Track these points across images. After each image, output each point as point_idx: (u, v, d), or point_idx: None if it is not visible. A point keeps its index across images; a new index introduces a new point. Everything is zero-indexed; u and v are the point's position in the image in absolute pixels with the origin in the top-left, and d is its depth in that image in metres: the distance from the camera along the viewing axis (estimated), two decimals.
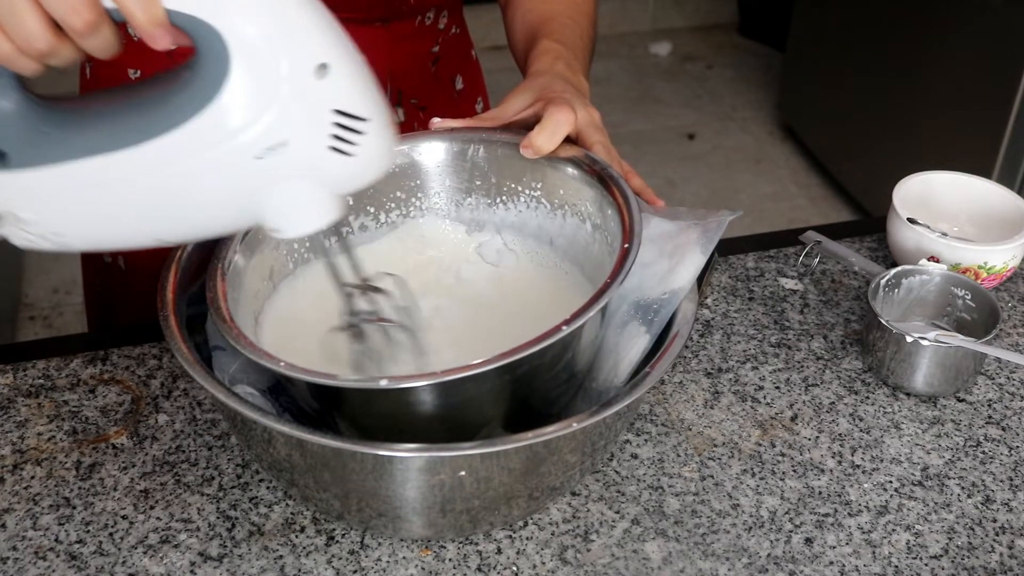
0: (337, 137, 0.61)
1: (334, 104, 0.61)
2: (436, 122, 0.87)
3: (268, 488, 0.84)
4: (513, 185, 0.87)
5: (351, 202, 0.87)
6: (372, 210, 0.88)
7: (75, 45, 0.58)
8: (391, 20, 1.03)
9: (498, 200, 0.88)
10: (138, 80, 0.62)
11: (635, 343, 0.78)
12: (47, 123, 0.61)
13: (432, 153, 0.87)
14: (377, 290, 0.74)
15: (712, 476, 0.86)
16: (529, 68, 0.92)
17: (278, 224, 0.65)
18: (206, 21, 0.57)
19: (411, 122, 1.09)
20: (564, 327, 0.68)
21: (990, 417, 0.93)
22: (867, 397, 0.94)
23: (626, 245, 0.75)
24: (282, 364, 0.68)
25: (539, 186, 0.86)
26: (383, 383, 0.67)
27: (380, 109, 0.63)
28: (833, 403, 0.94)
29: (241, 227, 0.73)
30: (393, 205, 0.88)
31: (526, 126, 0.84)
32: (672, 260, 0.79)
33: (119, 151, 0.60)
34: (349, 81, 0.61)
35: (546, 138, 0.81)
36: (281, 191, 0.63)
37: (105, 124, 0.61)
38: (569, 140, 0.84)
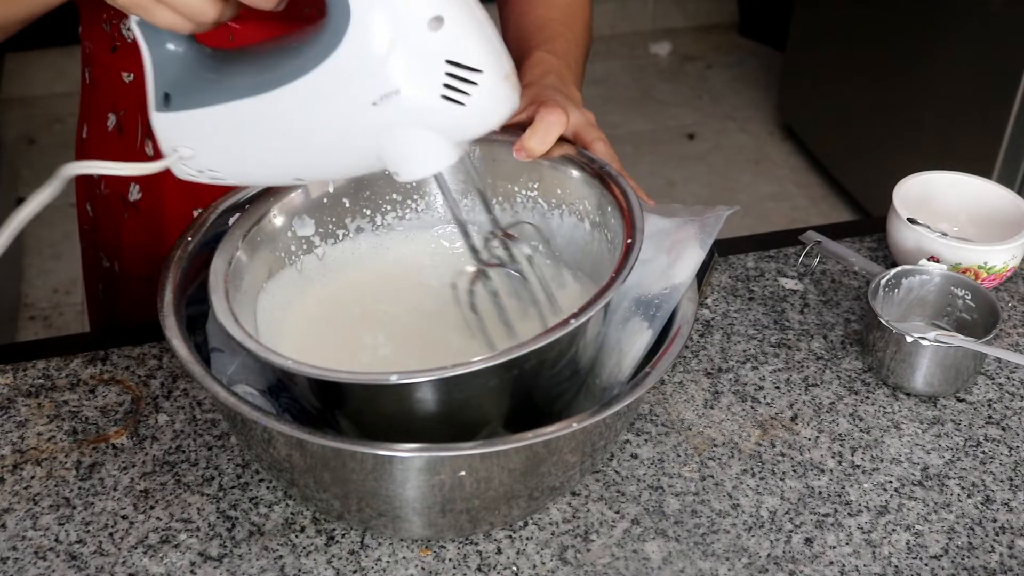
0: (449, 87, 0.65)
1: (447, 55, 0.64)
2: None
3: (268, 488, 0.84)
4: (510, 186, 0.87)
5: (348, 203, 0.87)
6: (368, 212, 0.88)
7: (227, 5, 0.67)
8: None
9: (495, 201, 0.88)
10: (283, 36, 0.70)
11: (638, 339, 0.78)
12: (206, 68, 0.70)
13: None
14: (510, 237, 0.79)
15: (712, 476, 0.86)
16: (521, 80, 0.92)
17: (395, 167, 0.70)
18: None
19: None
20: (572, 320, 0.69)
21: (990, 417, 0.93)
22: (867, 397, 0.94)
23: (629, 240, 0.75)
24: (289, 361, 0.69)
25: (536, 186, 0.86)
26: (393, 378, 0.67)
27: (496, 61, 0.67)
28: (833, 403, 0.94)
29: (369, 170, 0.77)
30: (389, 207, 0.88)
31: (521, 127, 0.84)
32: (671, 256, 0.79)
33: (258, 95, 0.67)
34: (463, 33, 0.65)
35: (538, 140, 0.81)
36: (399, 136, 0.67)
37: (250, 72, 0.69)
38: (563, 140, 0.84)
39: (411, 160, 0.69)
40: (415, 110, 0.66)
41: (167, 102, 0.71)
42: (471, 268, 0.78)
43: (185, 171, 0.73)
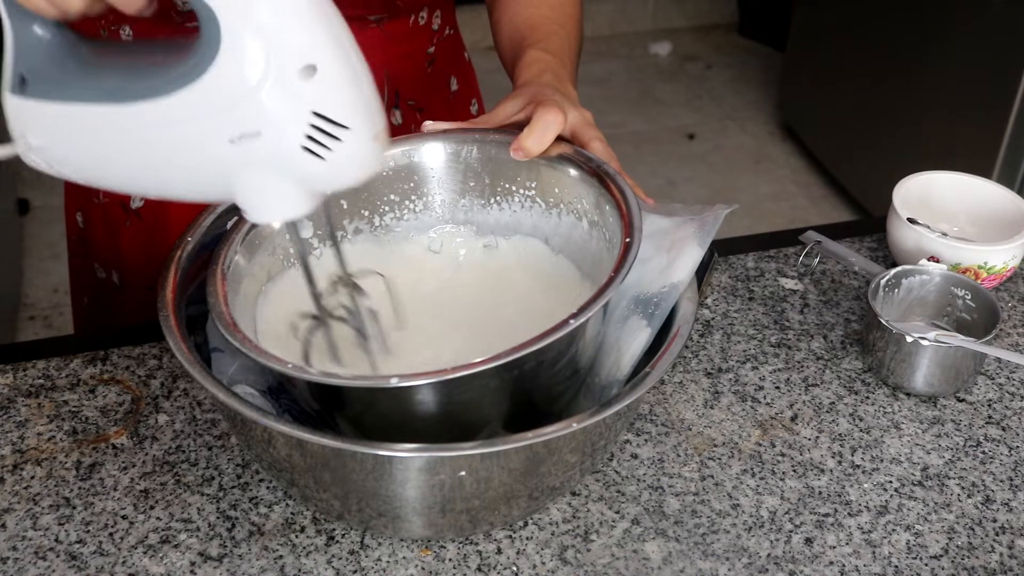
0: (312, 139, 0.63)
1: (314, 106, 0.62)
2: (428, 125, 0.87)
3: (268, 488, 0.84)
4: (507, 185, 0.87)
5: (345, 205, 0.87)
6: (366, 213, 0.88)
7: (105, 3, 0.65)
8: (386, 20, 1.03)
9: (492, 200, 0.88)
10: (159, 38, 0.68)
11: (637, 337, 0.78)
12: (72, 59, 0.67)
13: (425, 155, 0.87)
14: (355, 287, 0.76)
15: (712, 476, 0.86)
16: (517, 79, 0.92)
17: (245, 207, 0.67)
18: (204, 1, 0.59)
19: (408, 123, 1.09)
20: (571, 320, 0.69)
21: (990, 417, 0.93)
22: (867, 397, 0.94)
23: (627, 239, 0.75)
24: (289, 365, 0.68)
25: (534, 185, 0.86)
26: (394, 381, 0.67)
27: (367, 119, 0.64)
28: (833, 403, 0.94)
29: (215, 200, 0.76)
30: (387, 208, 0.88)
31: (519, 127, 0.84)
32: (670, 255, 0.79)
33: (113, 104, 0.65)
34: (336, 86, 0.62)
35: (535, 140, 0.81)
36: (252, 177, 0.65)
37: (116, 76, 0.66)
38: (561, 139, 0.84)
39: (262, 203, 0.67)
40: (273, 155, 0.63)
41: (23, 86, 0.67)
42: (311, 314, 0.76)
43: (33, 160, 0.70)
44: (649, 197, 0.84)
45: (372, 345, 0.77)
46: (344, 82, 0.63)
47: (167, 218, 1.03)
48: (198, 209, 1.02)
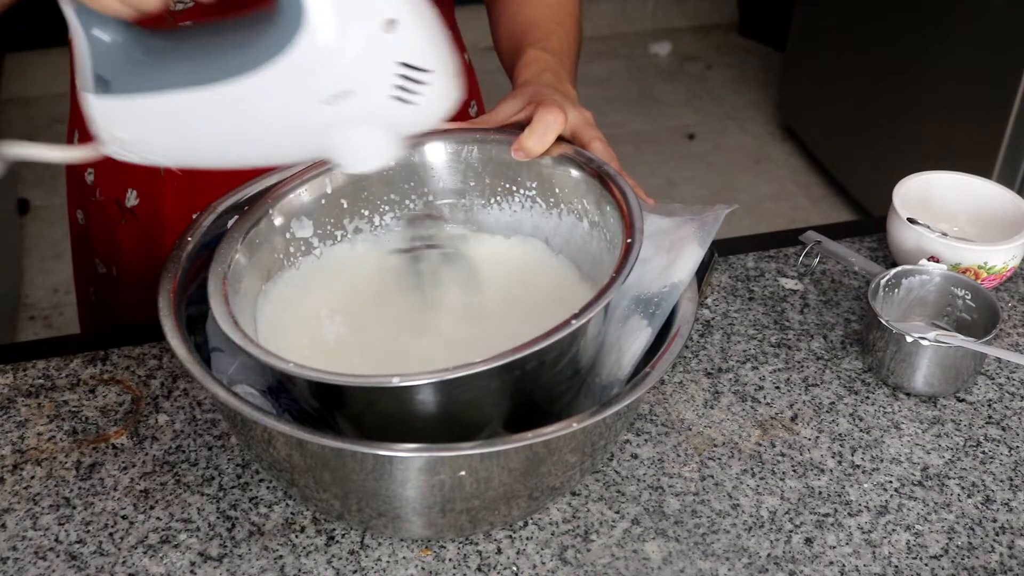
0: (401, 88, 0.66)
1: (400, 57, 0.65)
2: None
3: (268, 488, 0.84)
4: (508, 185, 0.87)
5: (345, 205, 0.87)
6: (366, 213, 0.88)
7: None
8: None
9: (493, 200, 0.88)
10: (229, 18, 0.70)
11: (637, 336, 0.78)
12: (145, 52, 0.68)
13: (426, 155, 0.87)
14: (437, 217, 0.81)
15: (712, 476, 0.86)
16: (517, 79, 0.93)
17: (342, 160, 0.71)
18: None
19: None
20: (573, 320, 0.69)
21: (990, 417, 0.93)
22: (867, 397, 0.94)
23: (628, 240, 0.75)
24: (291, 364, 0.68)
25: (534, 185, 0.86)
26: (394, 381, 0.67)
27: (445, 60, 0.68)
28: (833, 403, 0.94)
29: (309, 158, 0.78)
30: (387, 208, 0.88)
31: (519, 127, 0.84)
32: (671, 255, 0.79)
33: (204, 87, 0.67)
34: (416, 35, 0.65)
35: (536, 140, 0.82)
36: (347, 132, 0.68)
37: (194, 60, 0.68)
38: (561, 139, 0.84)
39: (356, 154, 0.70)
40: (367, 109, 0.67)
41: (104, 86, 0.69)
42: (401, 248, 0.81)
43: (122, 154, 0.72)
44: (649, 197, 0.84)
45: (464, 266, 0.82)
46: (422, 29, 0.66)
47: (162, 216, 1.04)
48: (192, 208, 1.02)
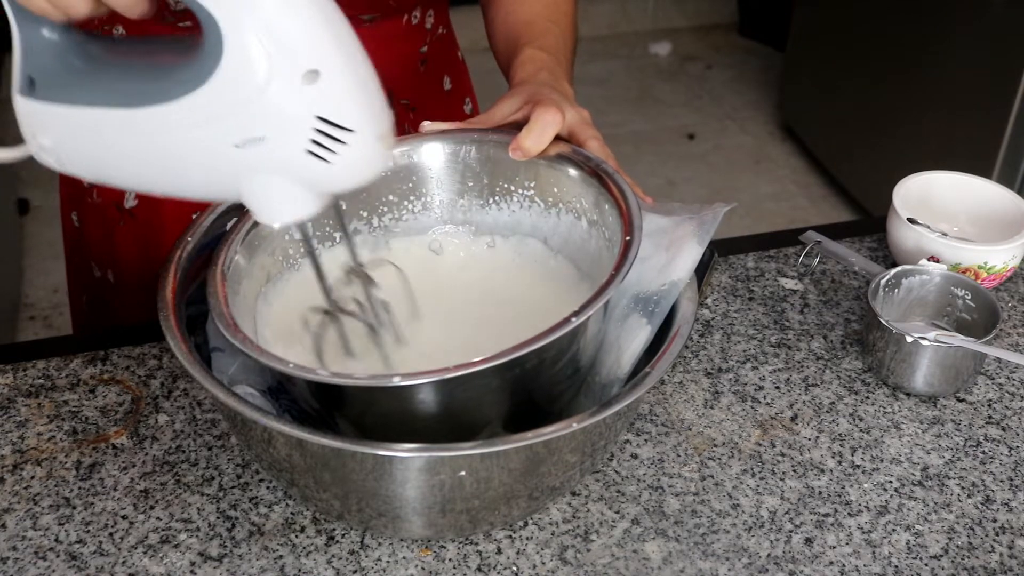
0: (316, 143, 0.63)
1: (318, 111, 0.62)
2: (426, 125, 0.87)
3: (268, 488, 0.84)
4: (506, 185, 0.87)
5: (345, 206, 0.87)
6: (365, 214, 0.88)
7: (101, 2, 0.64)
8: (378, 19, 1.03)
9: (491, 200, 0.88)
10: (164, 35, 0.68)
11: (637, 335, 0.78)
12: (79, 59, 0.67)
13: (423, 156, 0.87)
14: (367, 279, 0.77)
15: (712, 476, 0.86)
16: (513, 78, 0.93)
17: (254, 208, 0.68)
18: (205, 7, 0.59)
19: (401, 123, 1.09)
20: (573, 319, 0.69)
21: (990, 417, 0.93)
22: (867, 397, 0.94)
23: (628, 238, 0.75)
24: (291, 365, 0.68)
25: (532, 185, 0.86)
26: (395, 380, 0.67)
27: (371, 121, 0.64)
28: (833, 403, 0.94)
29: (224, 200, 0.76)
30: (385, 209, 0.88)
31: (517, 127, 0.84)
32: (670, 253, 0.80)
33: (122, 108, 0.65)
34: (339, 90, 0.62)
35: (534, 139, 0.81)
36: (259, 180, 0.65)
37: (120, 78, 0.66)
38: (559, 139, 0.84)
39: (269, 205, 0.67)
40: (278, 159, 0.64)
41: (32, 87, 0.68)
42: (322, 308, 0.76)
43: (45, 160, 0.71)
44: (648, 196, 0.84)
45: (385, 337, 0.77)
46: (348, 85, 0.63)
47: (161, 218, 1.03)
48: (192, 209, 1.02)
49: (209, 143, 0.64)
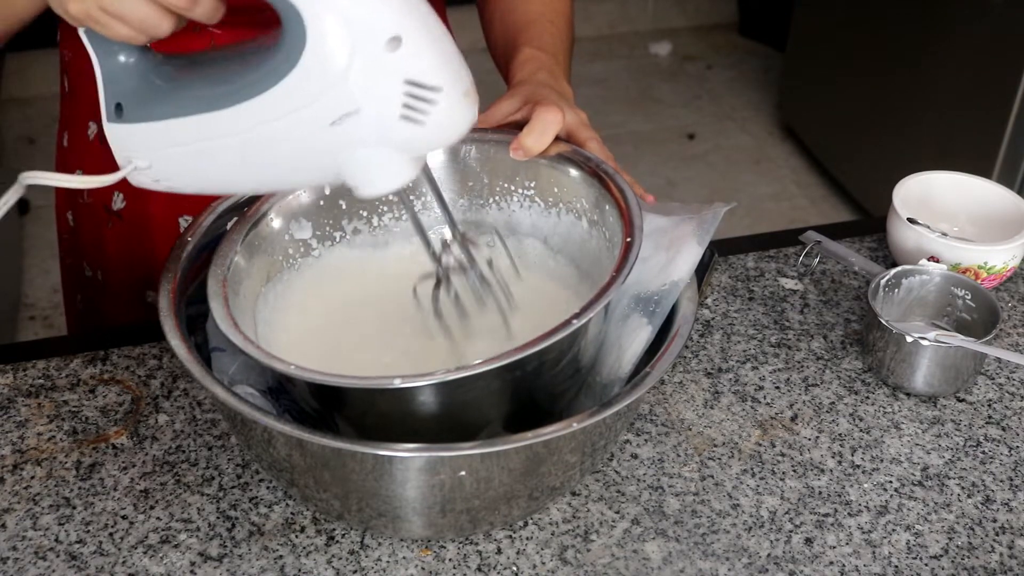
0: (408, 107, 0.64)
1: (405, 75, 0.63)
2: None
3: (268, 488, 0.84)
4: (506, 185, 0.87)
5: (344, 206, 0.87)
6: (365, 214, 0.88)
7: (181, 17, 0.67)
8: None
9: (491, 200, 0.88)
10: (236, 43, 0.69)
11: (638, 335, 0.78)
12: (159, 77, 0.69)
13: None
14: (469, 241, 0.79)
15: (712, 476, 0.86)
16: (512, 78, 0.93)
17: (356, 183, 0.69)
18: None
19: None
20: (574, 320, 0.69)
21: (990, 417, 0.93)
22: (867, 397, 0.94)
23: (628, 239, 0.75)
24: (292, 366, 0.68)
25: (532, 185, 0.86)
26: (396, 382, 0.67)
27: (456, 79, 0.66)
28: (833, 403, 0.94)
29: (329, 183, 0.77)
30: (386, 208, 0.88)
31: (517, 127, 0.84)
32: (670, 253, 0.80)
33: (213, 111, 0.66)
34: (422, 52, 0.64)
35: (535, 139, 0.82)
36: (357, 154, 0.67)
37: (204, 84, 0.67)
38: (558, 139, 0.84)
39: (370, 177, 0.69)
40: (374, 130, 0.65)
41: (119, 113, 0.70)
42: (431, 273, 0.78)
43: (142, 181, 0.72)
44: (648, 195, 0.85)
45: (498, 294, 0.79)
46: (429, 46, 0.64)
47: (148, 220, 1.03)
48: (178, 212, 1.02)
49: (304, 128, 0.65)
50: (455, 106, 0.66)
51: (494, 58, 1.02)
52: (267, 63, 0.64)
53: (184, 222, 1.03)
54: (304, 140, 0.66)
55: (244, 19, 0.78)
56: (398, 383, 0.67)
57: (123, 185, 1.03)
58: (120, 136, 0.70)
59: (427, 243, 0.77)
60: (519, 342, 0.68)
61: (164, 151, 0.70)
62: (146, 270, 1.06)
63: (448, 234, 0.79)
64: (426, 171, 0.73)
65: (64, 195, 1.12)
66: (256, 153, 0.68)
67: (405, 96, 0.64)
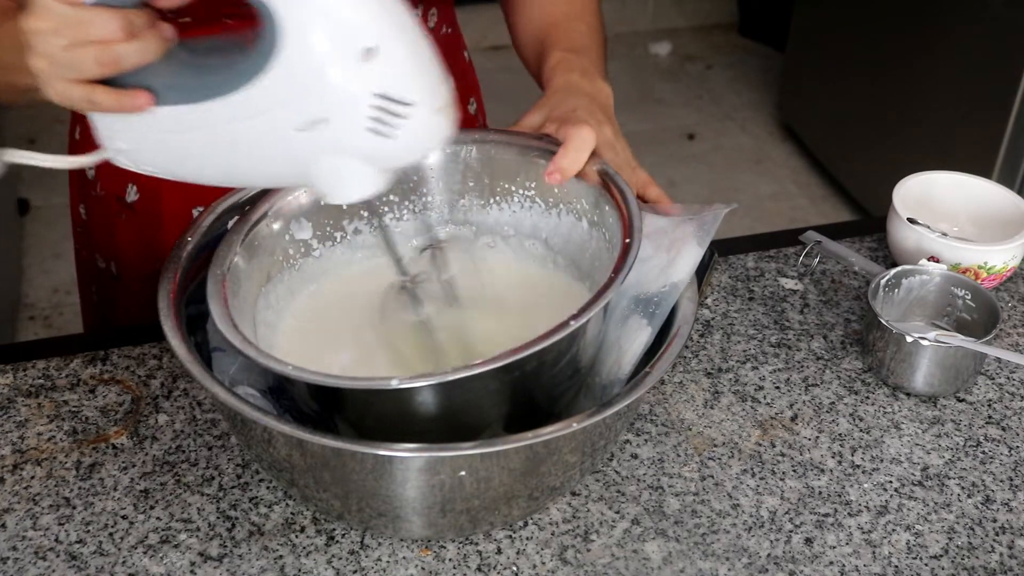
0: (377, 120, 0.64)
1: (376, 88, 0.63)
2: None
3: (268, 488, 0.84)
4: (507, 185, 0.87)
5: (344, 206, 0.87)
6: (365, 214, 0.88)
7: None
8: None
9: (492, 201, 0.88)
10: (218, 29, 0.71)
11: (637, 336, 0.78)
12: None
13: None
14: (438, 250, 0.80)
15: (712, 476, 0.86)
16: (546, 84, 0.92)
17: (323, 190, 0.69)
18: None
19: None
20: (572, 321, 0.69)
21: (990, 417, 0.93)
22: (867, 397, 0.94)
23: (627, 240, 0.75)
24: (291, 367, 0.68)
25: (533, 185, 0.86)
26: (394, 383, 0.67)
27: (431, 92, 0.65)
28: (833, 403, 0.94)
29: (296, 185, 0.78)
30: (386, 208, 0.88)
31: (526, 135, 0.84)
32: (670, 254, 0.79)
33: (187, 105, 0.66)
34: (397, 65, 0.63)
35: (571, 160, 0.81)
36: (325, 161, 0.66)
37: (182, 76, 0.67)
38: (593, 155, 0.83)
39: (337, 185, 0.69)
40: (342, 139, 0.65)
41: None
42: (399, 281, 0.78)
43: (123, 162, 0.73)
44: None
45: (461, 302, 0.80)
46: (405, 58, 0.64)
47: (160, 213, 1.03)
48: (191, 205, 1.02)
49: (273, 130, 0.65)
50: (427, 121, 0.65)
51: (525, 63, 1.02)
52: (242, 62, 0.64)
53: (197, 213, 1.03)
54: (273, 143, 0.66)
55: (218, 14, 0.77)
56: (395, 384, 0.67)
57: (137, 178, 1.03)
58: (102, 118, 0.70)
59: (397, 259, 0.77)
60: (518, 343, 0.68)
61: (143, 137, 0.70)
62: (160, 262, 1.06)
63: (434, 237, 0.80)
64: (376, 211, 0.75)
65: (77, 189, 1.12)
66: (227, 150, 0.68)
67: (375, 109, 0.63)
